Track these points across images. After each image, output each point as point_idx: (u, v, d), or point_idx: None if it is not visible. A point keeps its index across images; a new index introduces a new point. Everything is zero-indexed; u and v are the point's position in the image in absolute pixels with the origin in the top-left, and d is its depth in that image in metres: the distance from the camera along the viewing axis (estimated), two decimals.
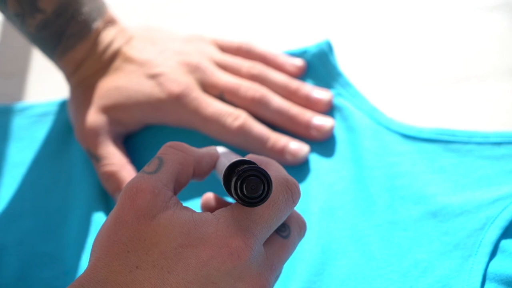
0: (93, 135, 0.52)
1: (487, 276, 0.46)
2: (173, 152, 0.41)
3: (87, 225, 0.52)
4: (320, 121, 0.52)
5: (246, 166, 0.36)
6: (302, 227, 0.43)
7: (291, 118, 0.52)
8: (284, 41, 0.60)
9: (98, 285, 0.37)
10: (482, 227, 0.48)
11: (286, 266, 0.47)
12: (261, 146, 0.51)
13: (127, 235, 0.38)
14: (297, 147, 0.51)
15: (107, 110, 0.52)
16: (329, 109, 0.54)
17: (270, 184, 0.36)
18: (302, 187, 0.51)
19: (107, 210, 0.52)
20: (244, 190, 0.36)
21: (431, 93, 0.55)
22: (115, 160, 0.52)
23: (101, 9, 0.53)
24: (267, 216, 0.39)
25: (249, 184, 0.36)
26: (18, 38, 0.64)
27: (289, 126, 0.53)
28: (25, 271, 0.52)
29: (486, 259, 0.47)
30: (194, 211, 0.39)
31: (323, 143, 0.53)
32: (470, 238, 0.48)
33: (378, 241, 0.48)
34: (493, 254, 0.47)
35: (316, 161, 0.52)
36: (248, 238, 0.38)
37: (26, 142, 0.59)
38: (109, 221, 0.39)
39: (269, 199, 0.38)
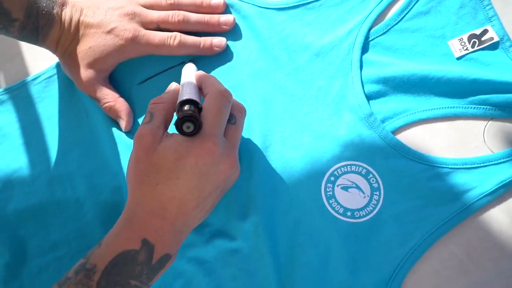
0: (89, 85, 0.62)
1: (364, 82, 0.56)
2: (157, 106, 0.49)
3: (114, 141, 0.62)
4: (225, 17, 0.63)
5: (182, 113, 0.43)
6: (242, 111, 0.51)
7: (207, 23, 0.63)
8: None
9: (140, 202, 0.46)
10: (348, 52, 0.57)
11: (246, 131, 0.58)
12: (197, 49, 0.62)
13: (143, 166, 0.46)
14: (219, 39, 0.63)
15: (91, 65, 0.61)
16: (225, 9, 0.64)
17: (200, 124, 0.44)
18: (233, 72, 0.61)
19: (118, 126, 0.62)
20: (184, 128, 0.44)
21: None
22: (109, 98, 0.62)
23: None
24: (218, 119, 0.47)
25: (185, 123, 0.44)
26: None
27: (207, 29, 0.63)
28: (91, 181, 0.61)
29: (358, 71, 0.56)
30: (178, 135, 0.46)
31: (232, 32, 0.63)
32: (344, 62, 0.57)
33: (292, 83, 0.58)
34: (361, 67, 0.57)
35: (232, 45, 0.63)
36: (213, 138, 0.46)
37: (48, 100, 0.66)
38: (131, 159, 0.47)
39: (213, 107, 0.46)
